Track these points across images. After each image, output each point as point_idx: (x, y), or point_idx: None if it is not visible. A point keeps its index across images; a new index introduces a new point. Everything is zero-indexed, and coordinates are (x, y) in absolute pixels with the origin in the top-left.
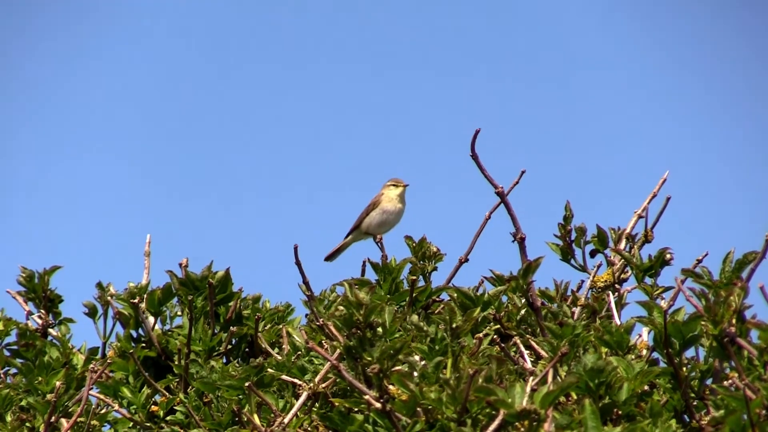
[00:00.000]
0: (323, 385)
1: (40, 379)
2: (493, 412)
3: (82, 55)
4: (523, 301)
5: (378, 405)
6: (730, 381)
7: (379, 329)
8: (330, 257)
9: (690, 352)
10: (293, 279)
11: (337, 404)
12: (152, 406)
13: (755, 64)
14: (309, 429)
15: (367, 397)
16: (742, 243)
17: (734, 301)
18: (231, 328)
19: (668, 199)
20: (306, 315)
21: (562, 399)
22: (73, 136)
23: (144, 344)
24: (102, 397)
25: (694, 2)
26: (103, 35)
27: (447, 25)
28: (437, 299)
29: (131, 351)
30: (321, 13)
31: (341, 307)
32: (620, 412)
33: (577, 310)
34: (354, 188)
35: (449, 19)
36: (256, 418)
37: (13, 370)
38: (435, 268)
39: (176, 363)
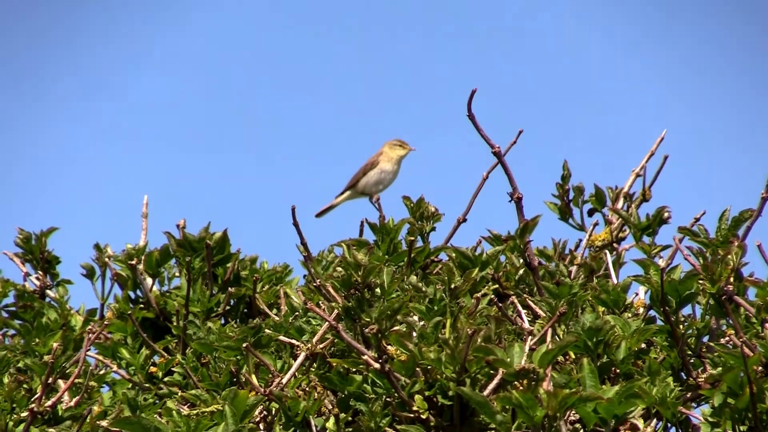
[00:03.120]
0: (321, 346)
1: (37, 340)
2: (492, 372)
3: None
4: (521, 260)
5: (377, 365)
6: (727, 338)
7: (378, 290)
8: (321, 214)
9: (686, 310)
10: (291, 240)
11: (335, 365)
12: (151, 367)
13: (755, 17)
14: (307, 389)
15: (365, 357)
16: (739, 201)
17: (732, 260)
18: (229, 289)
19: (666, 157)
20: (304, 276)
21: (561, 358)
22: (68, 94)
23: (142, 305)
24: (100, 358)
25: None
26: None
27: None
28: (435, 259)
29: (129, 312)
30: None
31: (339, 268)
32: (618, 371)
33: (574, 269)
34: (351, 147)
35: None
36: (254, 379)
37: (11, 332)
38: (433, 229)
39: (174, 324)
